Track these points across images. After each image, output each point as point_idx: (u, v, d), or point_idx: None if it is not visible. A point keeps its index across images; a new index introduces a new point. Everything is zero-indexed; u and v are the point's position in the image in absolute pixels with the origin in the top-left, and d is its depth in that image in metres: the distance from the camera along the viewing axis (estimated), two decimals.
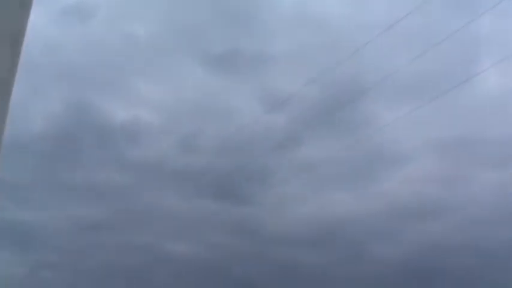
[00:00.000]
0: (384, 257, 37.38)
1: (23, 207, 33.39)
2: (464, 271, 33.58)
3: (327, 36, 30.33)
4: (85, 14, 29.87)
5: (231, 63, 31.95)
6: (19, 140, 27.70)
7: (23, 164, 31.45)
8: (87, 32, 30.27)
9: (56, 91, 32.39)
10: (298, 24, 30.77)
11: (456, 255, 34.81)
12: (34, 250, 36.22)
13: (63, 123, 33.01)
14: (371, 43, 20.02)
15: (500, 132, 30.95)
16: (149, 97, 34.26)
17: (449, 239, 35.54)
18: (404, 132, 30.74)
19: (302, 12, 30.44)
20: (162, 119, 35.52)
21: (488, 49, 27.08)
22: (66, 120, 33.23)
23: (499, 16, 23.10)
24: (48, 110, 32.72)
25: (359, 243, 38.41)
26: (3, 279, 32.29)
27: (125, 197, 37.73)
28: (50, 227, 35.97)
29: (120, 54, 31.58)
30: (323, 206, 39.36)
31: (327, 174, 35.95)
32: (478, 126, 31.80)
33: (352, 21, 29.37)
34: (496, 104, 30.26)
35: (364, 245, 38.03)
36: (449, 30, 20.59)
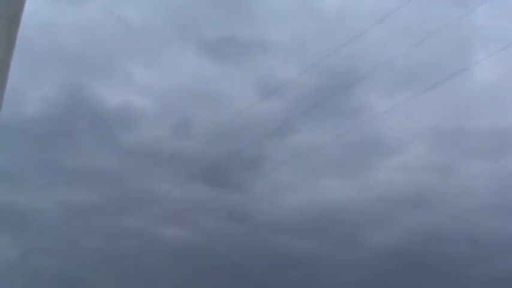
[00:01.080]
0: (378, 245, 37.56)
1: (15, 190, 33.32)
2: (458, 260, 33.83)
3: (323, 24, 30.26)
4: None
5: (226, 50, 31.83)
6: (11, 122, 27.55)
7: (15, 146, 31.34)
8: (82, 16, 30.09)
9: (50, 75, 32.21)
10: (294, 11, 30.67)
11: (449, 244, 35.07)
12: (26, 234, 36.19)
13: (56, 107, 32.87)
14: (367, 32, 19.97)
15: (494, 122, 31.08)
16: (143, 82, 34.12)
17: (443, 228, 35.79)
18: (399, 121, 30.80)
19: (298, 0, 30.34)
20: (156, 104, 35.42)
21: (483, 40, 27.12)
22: (60, 104, 33.09)
23: (495, 7, 23.09)
24: (42, 93, 32.57)
25: (352, 231, 38.62)
26: None
27: (117, 181, 37.72)
28: (42, 211, 35.93)
29: (115, 39, 31.41)
30: (317, 193, 39.49)
31: (321, 161, 36.03)
32: (473, 117, 31.92)
33: (349, 9, 29.32)
34: (490, 94, 30.36)
35: (357, 232, 38.24)
36: (446, 20, 20.58)
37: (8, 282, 33.41)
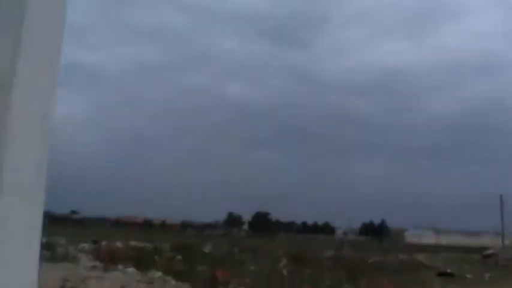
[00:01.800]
0: (435, 110, 37.45)
1: (83, 48, 34.26)
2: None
3: None
4: None
5: None
6: None
7: (84, 5, 31.80)
8: None
9: None
10: None
11: (509, 113, 34.87)
12: (95, 91, 37.70)
13: None
14: None
15: None
16: None
17: (505, 97, 35.26)
18: None
19: None
20: None
21: None
22: None
23: None
24: None
25: (412, 95, 38.52)
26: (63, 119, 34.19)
27: (183, 39, 37.98)
28: (110, 68, 36.97)
29: None
30: (379, 55, 38.97)
31: (385, 22, 35.11)
32: None
33: None
34: None
35: (417, 96, 38.16)
36: None
37: (79, 138, 35.67)
